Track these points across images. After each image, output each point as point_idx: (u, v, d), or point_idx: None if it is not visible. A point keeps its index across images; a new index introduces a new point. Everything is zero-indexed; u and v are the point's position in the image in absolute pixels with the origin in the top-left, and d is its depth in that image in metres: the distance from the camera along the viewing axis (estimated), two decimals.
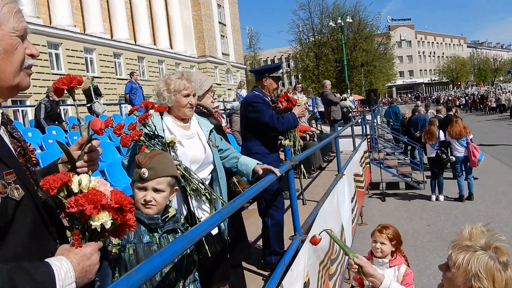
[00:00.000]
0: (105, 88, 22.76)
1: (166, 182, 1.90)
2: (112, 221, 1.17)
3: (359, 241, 7.11)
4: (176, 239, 1.47)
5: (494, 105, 34.95)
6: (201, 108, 3.28)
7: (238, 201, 2.03)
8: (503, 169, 12.04)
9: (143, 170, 1.85)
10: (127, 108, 16.26)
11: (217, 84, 35.48)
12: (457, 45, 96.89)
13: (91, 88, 11.53)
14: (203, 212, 2.57)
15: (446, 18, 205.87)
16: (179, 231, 1.93)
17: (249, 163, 2.84)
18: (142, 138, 2.35)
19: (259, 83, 4.02)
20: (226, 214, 1.88)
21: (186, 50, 33.95)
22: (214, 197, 2.51)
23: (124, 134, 2.30)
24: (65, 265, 1.06)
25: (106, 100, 21.82)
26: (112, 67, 25.01)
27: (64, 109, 18.18)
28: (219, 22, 39.05)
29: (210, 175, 2.73)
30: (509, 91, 36.89)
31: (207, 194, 2.50)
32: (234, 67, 41.37)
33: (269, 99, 3.98)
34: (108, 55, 24.69)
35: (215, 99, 3.66)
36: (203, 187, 2.50)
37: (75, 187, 1.20)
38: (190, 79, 2.69)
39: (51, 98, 9.36)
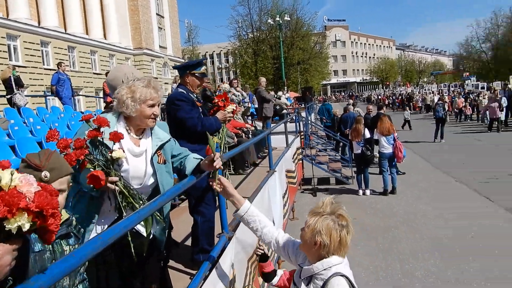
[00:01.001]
0: (30, 79, 21.37)
1: (67, 181, 1.78)
2: (31, 223, 1.11)
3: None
4: (86, 242, 1.41)
5: (420, 104, 37.40)
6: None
7: (158, 201, 1.99)
8: (425, 166, 12.90)
9: (44, 173, 1.70)
10: (54, 100, 15.41)
11: (153, 77, 34.53)
12: (387, 47, 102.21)
13: (12, 78, 10.73)
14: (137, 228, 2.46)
15: (378, 21, 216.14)
16: (72, 235, 1.83)
17: (196, 160, 2.71)
18: (85, 158, 2.18)
19: (183, 80, 3.96)
20: (144, 214, 1.84)
21: (121, 41, 32.74)
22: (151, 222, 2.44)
23: (68, 152, 2.10)
24: None
25: (32, 91, 20.50)
26: (38, 56, 23.48)
27: None
28: (157, 14, 38.05)
29: (151, 191, 2.62)
30: (432, 92, 39.54)
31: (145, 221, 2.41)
32: (172, 61, 40.56)
33: (194, 96, 3.92)
34: (35, 43, 23.15)
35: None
36: (141, 202, 2.39)
37: None
38: (157, 87, 2.52)
39: None
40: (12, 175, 1.17)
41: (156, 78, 35.78)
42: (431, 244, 6.52)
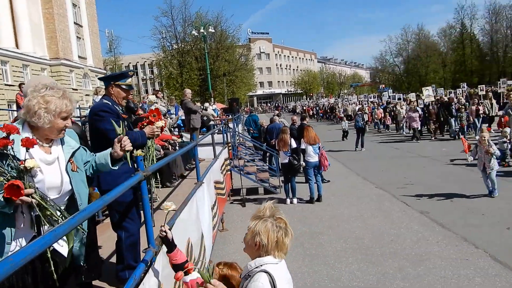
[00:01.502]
0: None
1: None
2: None
3: (220, 247, 7.26)
4: None
5: (342, 115, 38.97)
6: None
7: (77, 217, 1.88)
8: (348, 173, 13.53)
9: None
10: None
11: (73, 89, 32.90)
12: (309, 59, 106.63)
13: None
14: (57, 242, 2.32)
15: (299, 34, 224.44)
16: None
17: (105, 153, 2.71)
18: None
19: (107, 91, 3.82)
20: (61, 233, 1.73)
21: (36, 50, 30.78)
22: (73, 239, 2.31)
23: None
24: None
25: None
26: None
27: None
28: (75, 23, 36.39)
29: (67, 201, 2.49)
30: (353, 103, 41.64)
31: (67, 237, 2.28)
32: (93, 72, 38.91)
33: (119, 108, 3.79)
34: None
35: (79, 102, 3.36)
36: (59, 214, 2.27)
37: None
38: (72, 99, 2.41)
39: None
40: None
41: (76, 89, 34.12)
42: (354, 248, 6.82)
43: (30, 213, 2.25)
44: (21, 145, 2.09)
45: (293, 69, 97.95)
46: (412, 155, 16.06)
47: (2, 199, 2.04)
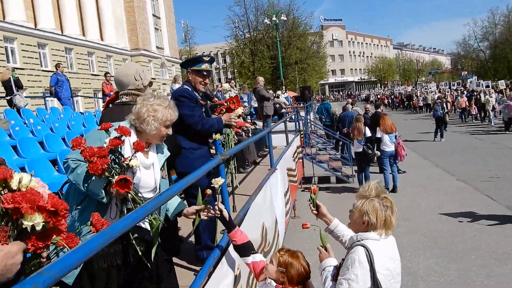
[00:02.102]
0: (28, 80, 21.32)
1: None
2: (44, 223, 1.19)
3: (291, 234, 7.28)
4: (96, 234, 1.40)
5: (421, 104, 36.44)
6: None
7: (164, 195, 1.98)
8: (424, 164, 12.92)
9: None
10: (53, 102, 15.38)
11: (151, 78, 34.53)
12: (384, 46, 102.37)
13: (12, 79, 10.74)
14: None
15: (374, 20, 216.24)
16: None
17: (178, 205, 2.78)
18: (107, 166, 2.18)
19: (187, 77, 3.96)
20: (151, 208, 1.83)
21: (118, 42, 32.70)
22: (158, 223, 2.46)
23: (94, 161, 2.10)
24: None
25: (30, 93, 20.44)
26: (36, 58, 23.45)
27: None
28: (153, 15, 38.04)
29: None
30: (433, 91, 39.08)
31: (153, 220, 2.43)
32: (169, 61, 40.56)
33: (198, 94, 3.90)
34: (32, 45, 23.11)
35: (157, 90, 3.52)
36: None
37: (14, 184, 1.22)
38: (175, 108, 2.59)
39: None
40: (32, 176, 1.28)
41: (154, 79, 35.81)
42: (432, 241, 6.52)
43: (122, 206, 2.42)
44: (133, 148, 2.25)
45: (367, 56, 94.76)
46: (498, 146, 14.89)
47: (102, 191, 2.22)
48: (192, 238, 4.37)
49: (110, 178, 2.16)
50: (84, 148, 2.09)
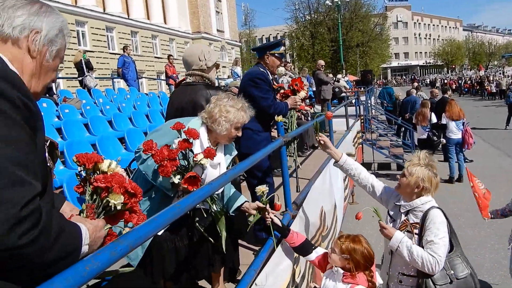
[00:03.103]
0: (97, 63, 22.44)
1: None
2: (122, 204, 1.33)
3: (349, 220, 7.18)
4: (166, 209, 1.45)
5: (494, 90, 32.84)
6: (205, 79, 3.22)
7: (229, 174, 2.01)
8: (493, 152, 12.17)
9: None
10: (119, 83, 16.08)
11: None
12: (453, 28, 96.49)
13: (83, 61, 11.36)
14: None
15: (443, 1, 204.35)
16: None
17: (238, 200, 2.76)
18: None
19: (262, 60, 3.97)
20: (216, 186, 1.87)
21: (180, 25, 33.46)
22: (223, 215, 2.53)
23: (165, 164, 2.18)
24: (84, 228, 1.17)
25: (99, 74, 21.53)
26: (104, 41, 24.62)
27: (56, 82, 17.95)
28: None
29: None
30: (508, 75, 35.72)
31: (217, 213, 2.52)
32: (229, 44, 40.93)
33: (271, 77, 3.93)
34: (100, 29, 24.27)
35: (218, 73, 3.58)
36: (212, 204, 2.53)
37: (104, 167, 1.39)
38: (247, 110, 2.62)
39: None
40: (118, 161, 1.48)
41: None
42: (500, 235, 6.15)
43: None
44: (204, 156, 2.27)
45: (434, 39, 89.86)
46: None
47: (169, 184, 2.30)
48: (251, 218, 4.43)
49: (179, 175, 2.23)
50: (155, 152, 2.18)
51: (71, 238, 1.08)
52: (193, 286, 2.81)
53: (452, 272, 2.62)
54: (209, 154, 2.29)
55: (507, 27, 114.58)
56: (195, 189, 2.23)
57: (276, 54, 3.91)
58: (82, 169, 1.39)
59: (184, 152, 2.28)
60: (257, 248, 3.75)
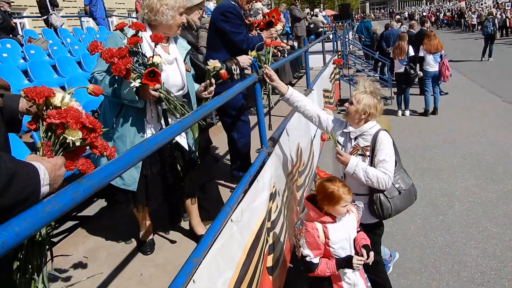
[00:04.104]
0: (63, 0, 21.18)
1: None
2: (81, 140, 1.26)
3: (326, 155, 7.30)
4: (134, 146, 1.41)
5: (475, 22, 32.07)
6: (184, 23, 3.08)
7: (200, 111, 1.96)
8: (469, 85, 12.32)
9: None
10: (88, 22, 15.32)
11: None
12: None
13: None
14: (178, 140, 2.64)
15: None
16: None
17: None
18: (130, 66, 2.17)
19: None
20: (186, 124, 1.82)
21: None
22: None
23: (115, 62, 2.08)
24: (42, 167, 1.12)
25: (66, 13, 20.43)
26: None
27: (20, 22, 16.99)
28: None
29: (182, 99, 2.66)
30: (488, 6, 34.88)
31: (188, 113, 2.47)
32: None
33: (243, 12, 3.76)
34: None
35: (203, 17, 3.39)
36: (182, 107, 2.48)
37: (57, 102, 1.29)
38: None
39: (2, 9, 8.63)
40: (72, 95, 1.37)
41: None
42: (472, 164, 6.38)
43: (157, 108, 2.44)
44: (151, 40, 2.20)
45: None
46: None
47: (136, 96, 2.22)
48: (227, 159, 4.46)
49: (139, 79, 2.17)
50: (103, 51, 2.07)
51: (27, 180, 1.04)
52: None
53: (399, 184, 2.88)
54: (156, 38, 2.23)
55: None
56: (157, 85, 2.22)
57: None
58: (33, 104, 1.30)
59: (135, 49, 2.21)
60: (234, 186, 3.80)
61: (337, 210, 2.48)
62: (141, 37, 2.22)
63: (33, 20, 16.81)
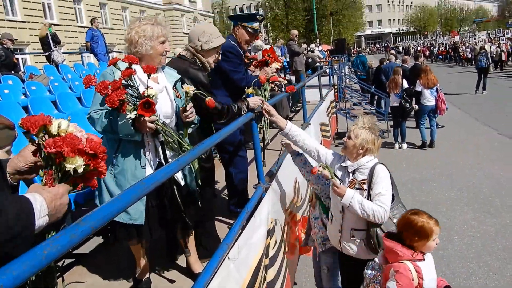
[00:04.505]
0: (65, 37, 21.66)
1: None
2: (84, 166, 1.24)
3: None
4: (131, 187, 1.43)
5: (469, 55, 31.92)
6: (197, 61, 3.17)
7: (198, 149, 1.99)
8: (465, 118, 12.46)
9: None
10: (89, 57, 15.60)
11: (184, 33, 34.35)
12: None
13: (49, 35, 10.94)
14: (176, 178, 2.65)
15: None
16: None
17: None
18: (125, 98, 2.21)
19: (233, 31, 3.91)
20: (184, 163, 1.85)
21: None
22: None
23: (109, 93, 2.14)
24: (39, 199, 1.11)
25: (67, 49, 20.85)
26: (72, 14, 23.72)
27: (22, 58, 17.30)
28: None
29: (174, 128, 2.69)
30: (481, 41, 35.46)
31: (187, 147, 2.50)
32: (202, 15, 40.00)
33: (242, 51, 3.87)
34: (67, 1, 23.31)
35: (219, 59, 3.42)
36: (179, 139, 2.52)
37: (54, 130, 1.27)
38: (163, 24, 2.57)
39: (5, 46, 8.82)
40: (69, 121, 1.33)
41: (187, 33, 35.53)
42: (470, 197, 6.38)
43: (154, 140, 2.48)
44: (144, 71, 2.27)
45: (406, 5, 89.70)
46: None
47: (132, 129, 2.27)
48: (225, 194, 4.47)
49: (135, 111, 2.21)
50: (97, 84, 2.14)
51: (17, 216, 1.03)
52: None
53: (397, 219, 2.78)
54: (148, 69, 2.27)
55: None
56: (153, 117, 2.26)
57: (248, 29, 3.84)
58: (29, 134, 1.28)
59: (129, 82, 2.25)
60: (231, 221, 3.79)
61: (429, 246, 2.37)
62: (134, 69, 2.28)
63: (35, 56, 17.13)
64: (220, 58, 3.40)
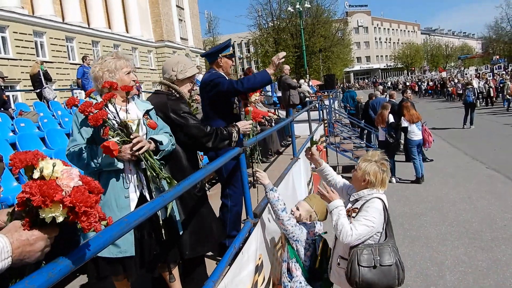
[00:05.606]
0: (57, 74, 21.85)
1: None
2: (65, 216, 1.13)
3: None
4: (113, 223, 1.41)
5: (460, 91, 30.16)
6: (174, 92, 3.13)
7: (183, 185, 1.99)
8: (452, 152, 12.60)
9: None
10: (81, 94, 15.70)
11: (192, 74, 34.77)
12: (412, 31, 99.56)
13: (41, 73, 11.03)
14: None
15: (401, 5, 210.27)
16: None
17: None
18: (107, 119, 2.23)
19: (215, 64, 3.96)
20: (168, 198, 1.84)
21: (143, 34, 33.02)
22: (170, 180, 2.49)
23: (92, 113, 2.16)
24: (2, 241, 1.06)
25: (59, 86, 20.98)
26: (64, 52, 23.97)
27: (13, 95, 17.35)
28: (177, 6, 38.13)
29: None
30: (469, 76, 36.13)
31: (167, 178, 2.49)
32: (193, 52, 40.69)
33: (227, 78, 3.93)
34: (60, 39, 23.62)
35: (195, 89, 3.43)
36: (163, 171, 2.52)
37: (36, 173, 1.17)
38: (126, 57, 2.65)
39: None
40: (54, 166, 1.19)
41: (199, 71, 36.03)
42: (460, 231, 6.37)
43: (136, 169, 2.47)
44: (121, 89, 2.37)
45: (394, 42, 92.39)
46: None
47: (114, 158, 2.30)
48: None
49: (118, 136, 2.27)
50: (80, 104, 2.18)
51: None
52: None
53: (379, 258, 2.75)
54: (126, 87, 2.38)
55: (462, 30, 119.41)
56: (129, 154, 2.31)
57: (227, 55, 3.95)
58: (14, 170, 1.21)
59: (109, 106, 2.28)
60: (221, 257, 3.72)
61: None
62: (115, 94, 2.31)
63: (26, 93, 17.18)
64: (195, 88, 3.41)
